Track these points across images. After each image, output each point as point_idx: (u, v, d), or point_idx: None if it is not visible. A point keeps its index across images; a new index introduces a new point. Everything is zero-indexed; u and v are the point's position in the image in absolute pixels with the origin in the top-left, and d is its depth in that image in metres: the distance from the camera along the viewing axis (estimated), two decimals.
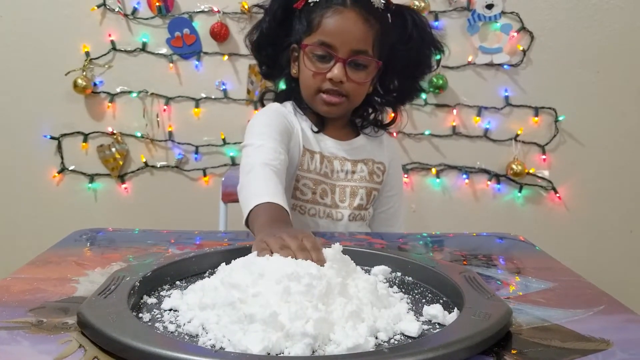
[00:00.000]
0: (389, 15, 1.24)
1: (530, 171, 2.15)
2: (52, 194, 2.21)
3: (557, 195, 2.18)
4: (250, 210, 0.95)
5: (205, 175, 2.18)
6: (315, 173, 1.25)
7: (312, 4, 1.21)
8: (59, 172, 2.20)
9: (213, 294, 0.63)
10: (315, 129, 1.28)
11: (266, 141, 1.14)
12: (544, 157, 2.16)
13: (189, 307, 0.64)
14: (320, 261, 0.69)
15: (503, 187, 2.18)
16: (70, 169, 2.20)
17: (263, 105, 1.36)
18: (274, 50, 1.28)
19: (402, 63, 1.26)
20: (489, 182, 2.18)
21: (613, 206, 2.20)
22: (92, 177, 2.20)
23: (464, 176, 2.17)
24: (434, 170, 2.17)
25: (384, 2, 1.22)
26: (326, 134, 1.29)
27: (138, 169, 2.20)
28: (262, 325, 0.56)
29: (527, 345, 0.61)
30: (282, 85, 1.35)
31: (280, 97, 1.34)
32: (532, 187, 2.18)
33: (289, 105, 1.30)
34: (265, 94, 1.39)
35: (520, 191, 2.18)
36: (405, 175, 2.16)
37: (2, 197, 2.22)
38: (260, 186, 1.02)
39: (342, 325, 0.59)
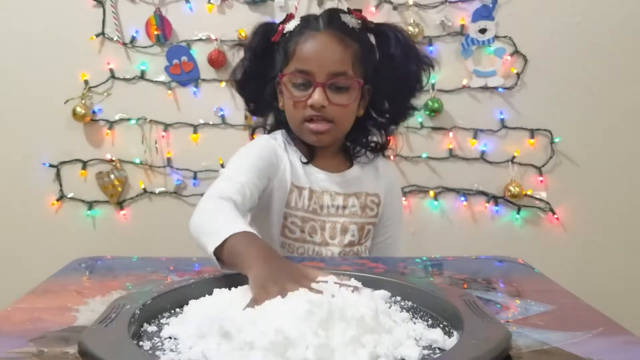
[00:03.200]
0: (370, 35, 1.22)
1: (528, 193, 2.16)
2: (51, 222, 2.21)
3: (555, 216, 2.19)
4: (224, 241, 0.86)
5: None
6: (304, 210, 1.21)
7: (287, 35, 1.21)
8: (57, 200, 2.20)
9: (210, 323, 0.63)
10: (304, 160, 1.24)
11: (238, 174, 1.12)
12: (540, 178, 2.17)
13: (188, 335, 0.64)
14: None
15: (501, 208, 2.19)
16: (69, 196, 2.20)
17: (253, 139, 1.35)
18: (259, 86, 1.27)
19: (390, 82, 1.23)
20: (487, 204, 2.19)
21: (610, 226, 2.20)
22: (90, 204, 2.20)
23: (462, 198, 2.18)
24: (432, 193, 2.18)
25: (360, 22, 1.21)
26: (317, 166, 1.25)
27: (137, 195, 2.20)
28: (262, 352, 0.56)
29: None
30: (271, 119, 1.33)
31: (271, 131, 1.32)
32: (530, 209, 2.19)
33: (279, 138, 1.27)
34: (256, 128, 1.38)
35: (518, 213, 2.18)
36: (404, 198, 2.17)
37: (2, 225, 2.22)
38: (223, 216, 0.97)
39: (342, 351, 0.59)
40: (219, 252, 0.87)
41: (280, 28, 1.24)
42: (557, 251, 2.20)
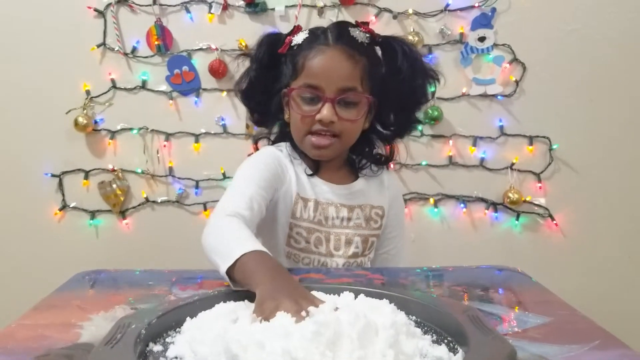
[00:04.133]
0: (376, 48, 1.23)
1: (527, 199, 2.17)
2: (54, 231, 2.22)
3: (554, 222, 2.20)
4: (236, 261, 0.88)
5: (205, 209, 2.20)
6: (309, 221, 1.22)
7: (295, 47, 1.21)
8: (60, 209, 2.21)
9: (215, 345, 0.64)
10: (309, 172, 1.25)
11: (246, 187, 1.12)
12: (539, 185, 2.18)
13: (195, 354, 0.65)
14: None
15: (500, 215, 2.20)
16: (71, 205, 2.21)
17: (257, 149, 1.35)
18: (264, 98, 1.27)
19: (396, 95, 1.23)
20: (486, 211, 2.20)
21: (609, 232, 2.21)
22: (93, 214, 2.22)
23: (462, 205, 2.19)
24: (432, 200, 2.19)
25: (368, 35, 1.21)
26: (322, 178, 1.26)
27: (139, 205, 2.22)
28: None
29: None
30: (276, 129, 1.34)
31: (275, 142, 1.33)
32: (529, 215, 2.20)
33: (285, 149, 1.28)
34: (260, 139, 1.38)
35: (517, 219, 2.20)
36: (404, 206, 2.18)
37: (4, 235, 2.23)
38: (235, 235, 0.97)
39: None
40: (230, 271, 0.88)
41: (287, 40, 1.24)
42: (557, 257, 2.22)
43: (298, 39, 1.23)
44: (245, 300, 0.84)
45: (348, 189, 1.27)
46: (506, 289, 1.04)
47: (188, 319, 0.78)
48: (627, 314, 2.25)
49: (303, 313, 0.69)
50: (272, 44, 1.25)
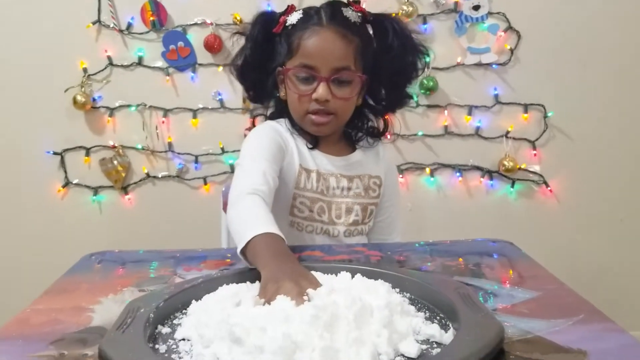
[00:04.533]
0: (367, 26, 1.25)
1: (522, 167, 2.21)
2: (58, 208, 2.27)
3: (549, 188, 2.24)
4: (248, 242, 0.94)
5: (205, 183, 2.24)
6: (312, 191, 1.27)
7: (290, 27, 1.24)
8: (63, 186, 2.25)
9: (220, 328, 0.68)
10: (310, 146, 1.30)
11: (257, 162, 1.16)
12: (534, 152, 2.21)
13: (200, 338, 0.69)
14: None
15: (496, 183, 2.24)
16: (74, 182, 2.25)
17: (254, 123, 1.39)
18: (260, 75, 1.29)
19: (387, 72, 1.27)
20: (482, 179, 2.24)
21: (603, 197, 2.26)
22: (96, 190, 2.25)
23: (458, 174, 2.23)
24: (428, 170, 2.23)
25: (360, 15, 1.24)
26: (321, 151, 1.31)
27: (140, 180, 2.25)
28: (271, 356, 0.61)
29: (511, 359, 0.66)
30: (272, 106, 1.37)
31: (272, 119, 1.36)
32: (524, 182, 2.24)
33: (283, 123, 1.32)
34: (257, 115, 1.44)
35: (512, 186, 2.24)
36: (401, 176, 2.22)
37: (10, 213, 2.28)
38: (253, 216, 1.02)
39: (346, 352, 0.64)
40: (244, 251, 0.95)
41: (281, 20, 1.26)
42: (551, 223, 2.27)
43: (292, 19, 1.25)
44: (247, 282, 0.88)
45: (346, 160, 1.32)
46: (498, 263, 1.08)
47: (194, 301, 0.82)
48: (619, 276, 2.31)
49: (305, 297, 0.73)
50: (267, 23, 1.27)
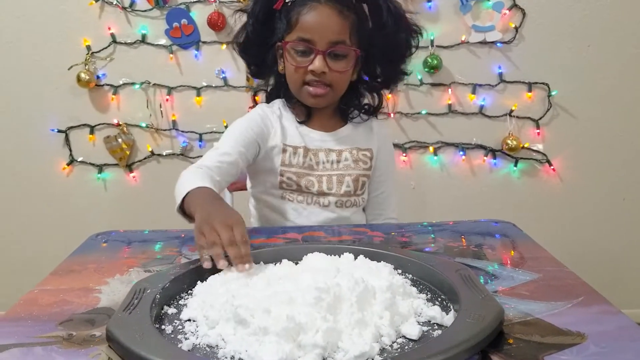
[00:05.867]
0: (364, 6, 1.30)
1: (525, 145, 2.21)
2: (63, 185, 2.28)
3: (552, 167, 2.24)
4: (184, 198, 1.08)
5: None
6: (298, 167, 1.33)
7: (289, 4, 1.29)
8: (68, 164, 2.26)
9: (225, 310, 0.70)
10: (299, 120, 1.36)
11: (224, 145, 1.28)
12: (537, 131, 2.21)
13: (206, 319, 0.71)
14: (247, 255, 0.86)
15: (499, 161, 2.24)
16: (79, 160, 2.26)
17: (255, 101, 1.49)
18: (260, 51, 1.35)
19: (381, 49, 1.32)
20: (485, 158, 2.24)
21: (605, 175, 2.26)
22: (100, 168, 2.27)
23: (461, 153, 2.23)
24: (431, 148, 2.23)
25: None
26: (313, 127, 1.37)
27: (145, 158, 2.26)
28: (275, 337, 0.63)
29: (511, 341, 0.68)
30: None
31: (271, 95, 1.43)
32: (527, 161, 2.24)
33: (275, 105, 1.39)
34: (258, 91, 1.49)
35: (515, 165, 2.24)
36: (404, 154, 2.22)
37: (16, 190, 2.30)
38: (190, 179, 1.13)
39: (349, 333, 0.66)
40: (183, 208, 1.09)
41: None
42: (553, 201, 2.27)
43: None
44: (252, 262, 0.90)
45: (336, 134, 1.38)
46: (500, 245, 1.09)
47: (199, 282, 0.84)
48: (621, 255, 2.33)
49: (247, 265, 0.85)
50: (267, 0, 1.31)
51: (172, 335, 0.70)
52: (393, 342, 0.67)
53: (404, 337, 0.69)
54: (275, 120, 1.35)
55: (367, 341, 0.64)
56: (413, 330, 0.69)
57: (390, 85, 1.42)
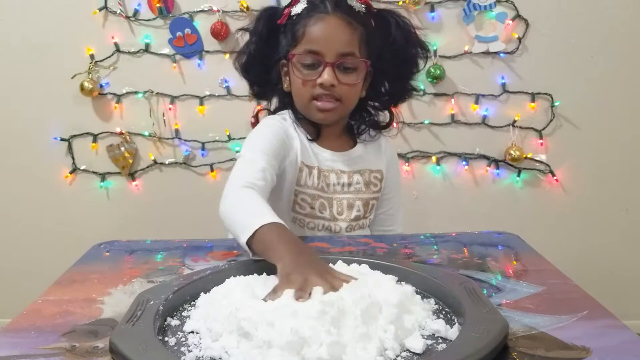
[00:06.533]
0: (371, 19, 1.27)
1: (528, 156, 2.21)
2: (66, 194, 2.29)
3: (555, 178, 2.24)
4: (255, 232, 0.94)
5: (212, 170, 2.25)
6: (313, 188, 1.28)
7: (294, 17, 1.25)
8: (70, 172, 2.27)
9: (228, 322, 0.69)
10: (310, 138, 1.30)
11: (257, 157, 1.17)
12: (541, 141, 2.21)
13: (209, 332, 0.70)
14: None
15: (502, 171, 2.24)
16: (81, 168, 2.26)
17: (258, 114, 1.40)
18: (264, 69, 1.31)
19: (390, 65, 1.29)
20: (488, 168, 2.24)
21: (608, 186, 2.26)
22: (103, 176, 2.27)
23: (464, 163, 2.23)
24: (434, 158, 2.23)
25: (364, 6, 1.25)
26: (323, 146, 1.31)
27: (147, 167, 2.27)
28: (279, 351, 0.63)
29: (515, 356, 0.67)
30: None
31: (276, 112, 1.37)
32: (530, 171, 2.24)
33: (289, 118, 1.32)
34: (259, 113, 1.42)
35: (518, 175, 2.24)
36: (407, 164, 2.23)
37: (19, 198, 2.30)
38: (255, 206, 1.03)
39: (353, 347, 0.65)
40: (250, 241, 0.95)
41: (286, 11, 1.27)
42: (557, 212, 2.27)
43: (297, 9, 1.26)
44: (254, 274, 0.89)
45: (348, 155, 1.33)
46: (503, 256, 1.08)
47: (202, 294, 0.84)
48: (624, 265, 2.32)
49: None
50: (271, 17, 1.29)
51: (176, 347, 0.70)
52: (397, 356, 0.66)
53: (408, 350, 0.68)
54: (294, 135, 1.29)
55: (371, 355, 0.64)
56: (417, 344, 0.68)
57: (398, 101, 1.38)
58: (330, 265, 0.88)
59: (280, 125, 1.29)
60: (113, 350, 0.67)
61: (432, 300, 0.84)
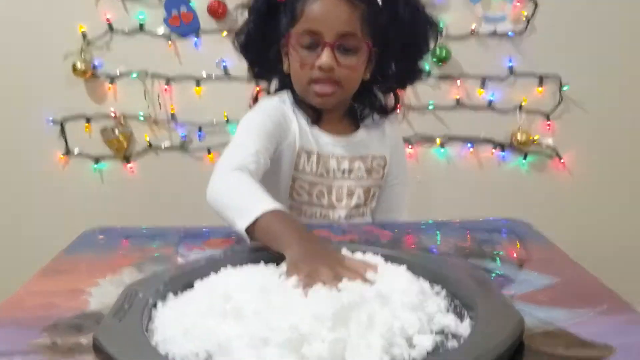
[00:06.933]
0: None
1: (535, 138, 2.17)
2: (59, 176, 2.25)
3: (562, 161, 2.20)
4: (257, 218, 0.89)
5: (209, 153, 2.21)
6: (312, 174, 1.23)
7: None
8: (64, 155, 2.23)
9: (223, 318, 0.65)
10: (310, 121, 1.25)
11: (251, 139, 1.12)
12: (548, 124, 2.17)
13: (205, 326, 0.66)
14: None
15: (508, 154, 2.21)
16: (75, 151, 2.22)
17: (258, 91, 1.35)
18: (263, 49, 1.25)
19: (397, 45, 1.22)
20: (493, 151, 2.20)
21: (615, 171, 2.23)
22: (97, 159, 2.23)
23: (469, 145, 2.19)
24: (438, 141, 2.19)
25: None
26: (323, 129, 1.26)
27: (143, 150, 2.23)
28: (277, 349, 0.58)
29: (532, 354, 0.63)
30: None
31: (276, 92, 1.32)
32: (537, 155, 2.21)
33: (287, 100, 1.27)
34: (258, 95, 1.37)
35: (524, 158, 2.21)
36: (410, 147, 2.18)
37: (12, 180, 2.26)
38: (252, 191, 0.98)
39: (356, 344, 0.60)
40: (250, 228, 0.90)
41: None
42: (563, 195, 2.25)
43: None
44: (249, 264, 0.84)
45: (349, 139, 1.27)
46: (512, 245, 1.04)
47: (195, 286, 0.79)
48: (631, 250, 2.29)
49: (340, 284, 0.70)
50: None
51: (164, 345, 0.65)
52: (404, 353, 0.62)
53: (416, 347, 0.63)
54: (293, 118, 1.23)
55: (376, 352, 0.59)
56: (426, 341, 0.63)
57: (406, 84, 1.31)
58: (345, 253, 0.83)
59: (277, 107, 1.23)
60: (97, 347, 0.62)
61: (442, 293, 0.79)
